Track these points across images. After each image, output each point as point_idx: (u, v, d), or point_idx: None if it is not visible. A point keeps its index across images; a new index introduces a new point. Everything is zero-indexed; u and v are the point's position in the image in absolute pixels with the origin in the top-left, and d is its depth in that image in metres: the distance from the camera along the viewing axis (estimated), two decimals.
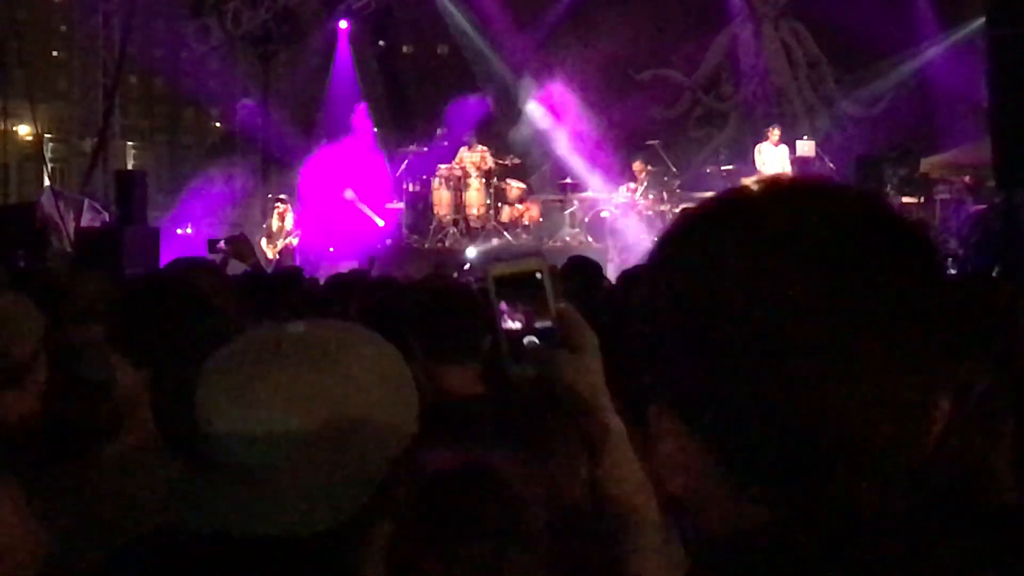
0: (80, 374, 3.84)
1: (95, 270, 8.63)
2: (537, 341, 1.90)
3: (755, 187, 1.30)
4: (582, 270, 8.12)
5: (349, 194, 24.88)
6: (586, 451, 2.03)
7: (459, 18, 27.37)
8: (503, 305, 1.90)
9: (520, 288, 1.92)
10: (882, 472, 1.23)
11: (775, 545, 1.23)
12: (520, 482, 2.29)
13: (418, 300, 4.77)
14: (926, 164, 22.27)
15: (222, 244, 19.22)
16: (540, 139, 26.02)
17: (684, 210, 1.35)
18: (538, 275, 1.93)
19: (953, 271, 15.68)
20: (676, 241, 1.30)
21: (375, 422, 1.80)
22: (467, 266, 18.21)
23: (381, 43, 28.74)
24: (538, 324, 1.91)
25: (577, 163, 24.71)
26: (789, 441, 1.21)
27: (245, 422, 1.75)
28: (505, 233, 23.29)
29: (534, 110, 26.24)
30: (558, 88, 26.22)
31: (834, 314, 1.18)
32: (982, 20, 19.93)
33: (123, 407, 3.12)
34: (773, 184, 1.30)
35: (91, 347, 3.80)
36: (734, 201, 1.29)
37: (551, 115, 26.09)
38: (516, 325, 1.90)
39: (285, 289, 7.30)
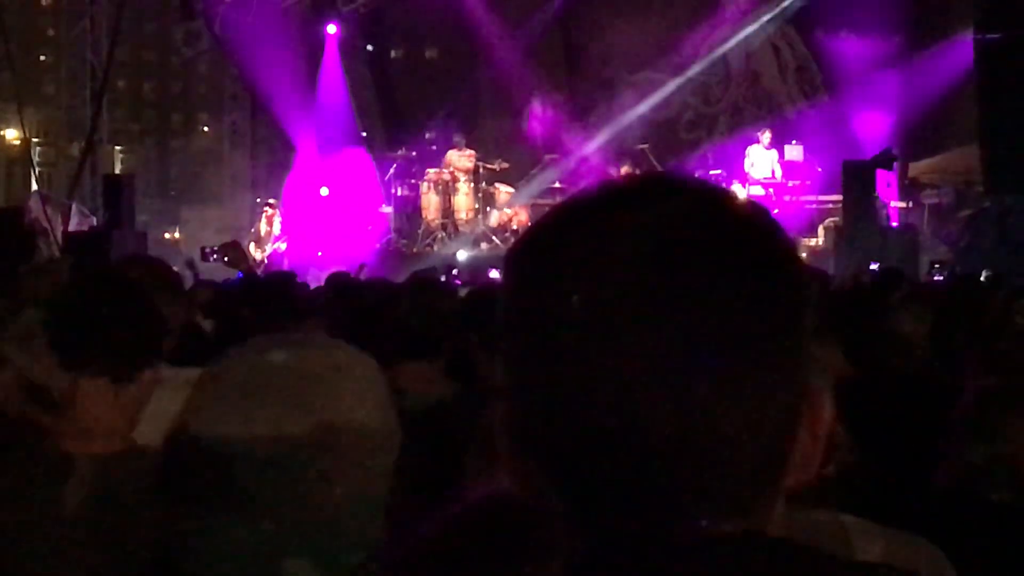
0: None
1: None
2: None
3: (595, 191, 1.24)
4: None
5: (325, 191, 24.85)
6: None
7: (448, 22, 27.35)
8: None
9: None
10: (737, 486, 1.12)
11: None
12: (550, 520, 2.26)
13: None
14: (915, 169, 22.31)
15: (214, 250, 19.19)
16: (529, 143, 26.01)
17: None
18: None
19: (941, 276, 15.68)
20: (514, 253, 1.24)
21: (366, 440, 1.79)
22: (455, 271, 18.17)
23: (370, 47, 28.72)
24: None
25: (564, 166, 24.68)
26: (612, 456, 1.11)
27: (237, 448, 1.73)
28: (493, 237, 23.29)
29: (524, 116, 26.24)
30: (546, 92, 26.22)
31: (668, 312, 1.10)
32: (971, 25, 19.98)
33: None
34: (612, 185, 1.23)
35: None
36: (572, 206, 1.23)
37: (540, 120, 26.09)
38: None
39: (279, 294, 7.26)
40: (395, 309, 5.26)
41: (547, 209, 1.29)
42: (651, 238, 1.12)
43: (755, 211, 1.20)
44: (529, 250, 1.21)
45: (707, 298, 1.10)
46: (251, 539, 1.71)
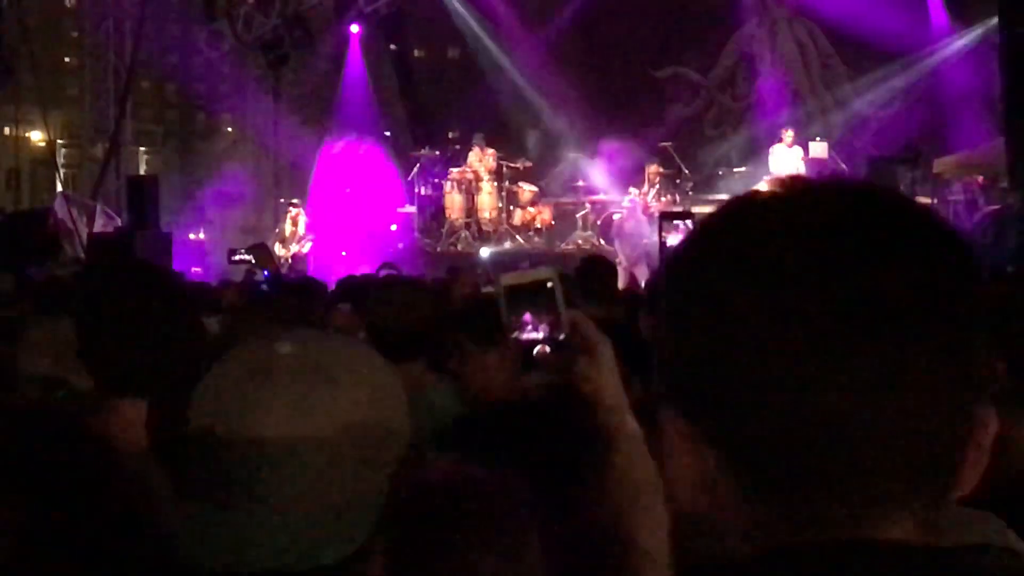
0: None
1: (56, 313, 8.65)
2: (548, 350, 1.92)
3: (769, 189, 1.24)
4: (595, 269, 8.06)
5: (349, 191, 24.90)
6: (603, 452, 2.04)
7: (470, 21, 27.34)
8: (527, 316, 1.93)
9: (531, 297, 1.94)
10: (909, 492, 1.15)
11: (787, 570, 1.16)
12: (520, 503, 2.26)
13: None
14: (939, 164, 22.19)
15: (243, 252, 19.25)
16: (552, 142, 26.01)
17: (703, 215, 1.30)
18: (549, 284, 1.94)
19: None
20: (692, 244, 1.24)
21: (371, 436, 1.77)
22: (479, 269, 18.17)
23: (393, 47, 28.74)
24: (550, 333, 1.92)
25: (589, 165, 24.64)
26: (803, 452, 1.13)
27: (241, 439, 1.72)
28: (517, 236, 23.30)
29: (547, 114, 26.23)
30: (569, 90, 26.20)
31: (854, 319, 1.11)
32: (995, 20, 19.89)
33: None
34: (787, 185, 1.24)
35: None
36: (748, 204, 1.23)
37: (562, 118, 26.08)
38: (538, 335, 1.93)
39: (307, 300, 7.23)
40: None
41: (720, 205, 1.29)
42: (863, 249, 1.14)
43: (947, 224, 1.21)
44: (722, 248, 1.20)
45: (912, 309, 1.12)
46: (256, 530, 1.69)
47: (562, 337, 1.93)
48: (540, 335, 1.93)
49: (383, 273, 14.30)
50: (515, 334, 1.93)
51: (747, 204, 1.23)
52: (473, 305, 4.96)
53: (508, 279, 1.96)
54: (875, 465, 1.12)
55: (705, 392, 1.18)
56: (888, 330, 1.11)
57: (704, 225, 1.24)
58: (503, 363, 4.32)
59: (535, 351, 1.92)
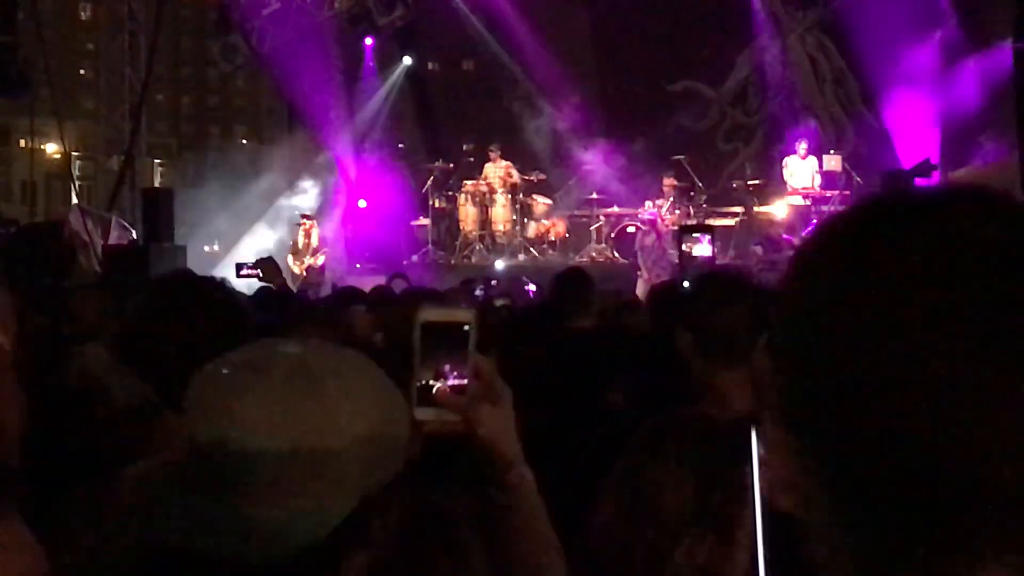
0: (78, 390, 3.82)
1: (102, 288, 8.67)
2: (448, 389, 1.94)
3: (900, 198, 1.19)
4: (571, 283, 7.90)
5: (363, 203, 24.92)
6: (498, 505, 2.06)
7: (485, 35, 27.37)
8: (447, 366, 1.95)
9: (447, 337, 1.96)
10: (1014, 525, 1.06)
11: None
12: (468, 525, 2.30)
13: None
14: (954, 178, 22.18)
15: (250, 267, 19.26)
16: (566, 154, 26.00)
17: (826, 219, 1.22)
18: (466, 327, 1.96)
19: None
20: (814, 251, 1.18)
21: (356, 450, 1.78)
22: (494, 282, 18.16)
23: (407, 60, 28.79)
24: (455, 374, 1.95)
25: (603, 178, 24.66)
26: (906, 473, 1.07)
27: (227, 435, 1.74)
28: (531, 249, 23.32)
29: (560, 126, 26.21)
30: (583, 103, 26.22)
31: (978, 342, 1.04)
32: (1009, 39, 19.87)
33: (131, 422, 3.10)
34: (924, 197, 1.17)
35: (92, 362, 3.78)
36: (876, 211, 1.16)
37: (576, 131, 26.07)
38: (460, 382, 1.95)
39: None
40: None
41: (843, 209, 1.24)
42: (989, 259, 1.07)
43: None
44: (850, 252, 1.13)
45: None
46: (263, 525, 1.72)
47: (464, 376, 1.95)
48: (460, 383, 1.95)
49: (396, 283, 14.31)
50: (428, 380, 1.94)
51: (878, 214, 1.17)
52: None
53: (427, 315, 1.97)
54: (995, 512, 1.05)
55: (830, 420, 1.12)
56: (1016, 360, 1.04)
57: (830, 232, 1.18)
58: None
59: (435, 388, 1.93)
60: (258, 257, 17.88)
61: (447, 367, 1.94)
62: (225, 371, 1.82)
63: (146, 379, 3.23)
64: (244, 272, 19.58)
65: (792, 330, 1.17)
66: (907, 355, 1.06)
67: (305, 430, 1.74)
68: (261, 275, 15.88)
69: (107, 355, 3.45)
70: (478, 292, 16.06)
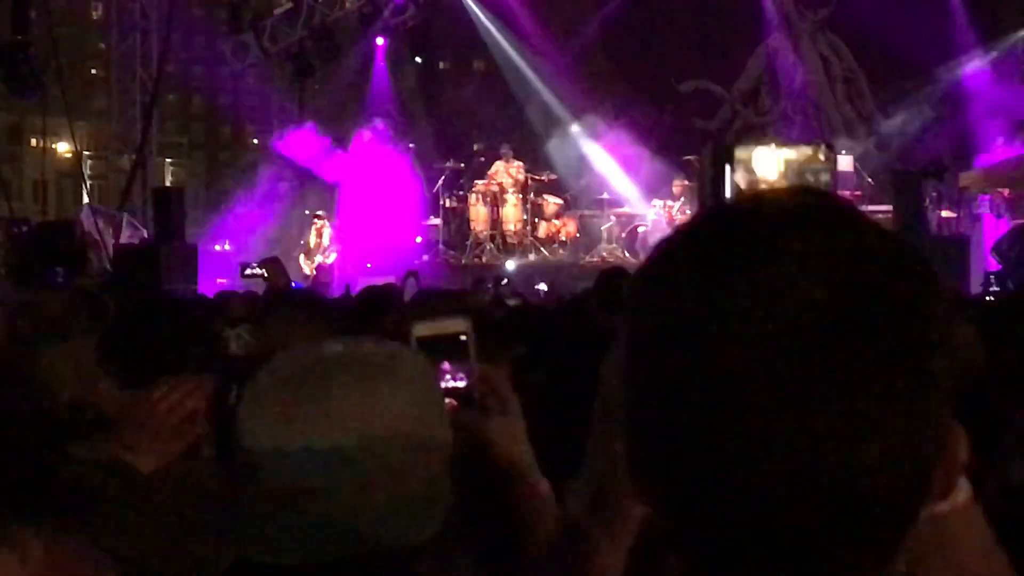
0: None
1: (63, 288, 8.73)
2: (455, 403, 1.91)
3: (736, 210, 1.14)
4: (613, 282, 7.90)
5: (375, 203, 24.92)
6: (518, 519, 2.03)
7: (496, 34, 27.36)
8: (445, 364, 1.92)
9: (445, 349, 1.94)
10: (869, 531, 1.04)
11: None
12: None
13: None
14: (964, 178, 22.13)
15: (255, 267, 19.26)
16: (577, 154, 25.98)
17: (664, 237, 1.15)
18: (462, 337, 1.94)
19: (995, 288, 15.56)
20: (646, 273, 1.12)
21: (419, 438, 1.79)
22: (505, 281, 18.17)
23: (418, 59, 28.79)
24: (459, 375, 1.93)
25: (614, 178, 24.66)
26: (753, 496, 1.02)
27: (292, 444, 1.74)
28: (542, 249, 23.32)
29: (573, 127, 26.18)
30: (593, 104, 26.21)
31: (814, 365, 1.00)
32: (1021, 33, 19.86)
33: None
34: (751, 208, 1.12)
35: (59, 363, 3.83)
36: (710, 227, 1.10)
37: (589, 131, 26.05)
38: (458, 384, 1.93)
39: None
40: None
41: (680, 222, 1.25)
42: (828, 274, 1.03)
43: (912, 250, 1.10)
44: (680, 271, 1.07)
45: (872, 339, 1.02)
46: (306, 529, 1.73)
47: (469, 387, 1.94)
48: (460, 384, 1.93)
49: (408, 282, 14.32)
50: None
51: (730, 224, 1.10)
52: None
53: (420, 330, 1.94)
54: (850, 501, 1.02)
55: (649, 451, 1.08)
56: (869, 366, 1.01)
57: (664, 251, 1.13)
58: None
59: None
60: (263, 258, 17.93)
61: (446, 367, 1.93)
62: (279, 378, 1.82)
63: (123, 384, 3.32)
64: (249, 272, 19.60)
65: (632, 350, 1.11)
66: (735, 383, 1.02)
67: (368, 426, 1.75)
68: (266, 275, 15.90)
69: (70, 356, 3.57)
70: (490, 288, 16.09)
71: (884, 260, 1.06)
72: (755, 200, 1.13)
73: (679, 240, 1.11)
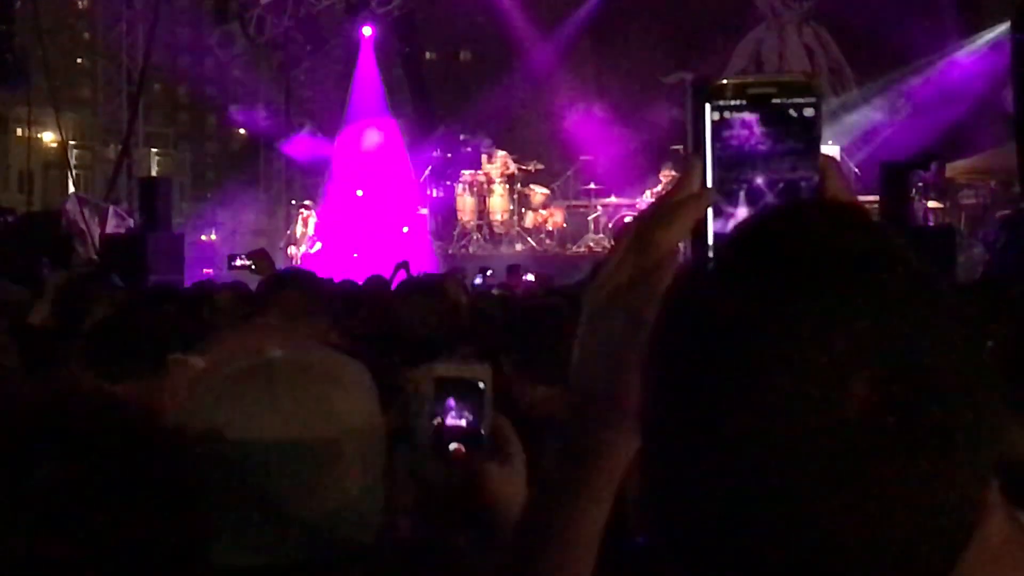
0: None
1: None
2: (463, 448, 1.92)
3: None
4: None
5: (360, 193, 24.88)
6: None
7: (482, 24, 27.35)
8: (450, 401, 1.92)
9: (460, 391, 1.94)
10: None
11: None
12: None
13: (514, 317, 4.77)
14: (951, 169, 22.16)
15: (243, 259, 19.26)
16: (563, 145, 25.99)
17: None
18: (480, 384, 1.94)
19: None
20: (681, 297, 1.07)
21: (358, 441, 1.82)
22: (490, 272, 18.16)
23: (406, 49, 28.77)
24: (471, 425, 1.93)
25: (601, 168, 24.66)
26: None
27: (233, 439, 1.76)
28: (529, 239, 23.30)
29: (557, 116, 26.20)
30: (581, 94, 26.22)
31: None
32: (1007, 24, 19.87)
33: None
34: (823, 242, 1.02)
35: None
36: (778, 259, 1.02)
37: (573, 121, 26.07)
38: (460, 423, 1.92)
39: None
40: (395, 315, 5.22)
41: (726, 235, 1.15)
42: (883, 360, 0.96)
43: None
44: (708, 330, 1.01)
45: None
46: (260, 528, 1.75)
47: (481, 433, 1.93)
48: (462, 423, 1.93)
49: (400, 273, 14.31)
50: (436, 419, 1.93)
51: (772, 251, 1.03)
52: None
53: (440, 371, 1.95)
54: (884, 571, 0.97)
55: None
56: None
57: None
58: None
59: (452, 447, 1.92)
60: (251, 249, 17.91)
61: (451, 403, 1.93)
62: (227, 380, 1.84)
63: (116, 377, 3.38)
64: (236, 264, 19.58)
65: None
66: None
67: (316, 427, 1.77)
68: (253, 267, 15.90)
69: None
70: (478, 281, 16.07)
71: (939, 346, 0.99)
72: (794, 235, 1.04)
73: (715, 286, 1.04)
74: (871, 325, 0.96)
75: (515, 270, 18.02)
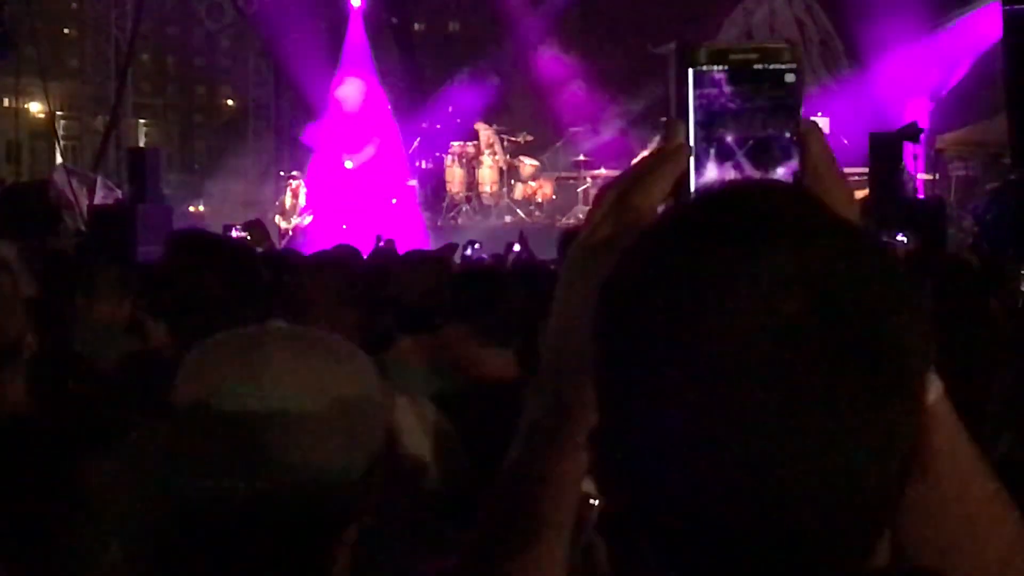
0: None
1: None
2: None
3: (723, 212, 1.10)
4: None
5: (349, 164, 24.81)
6: None
7: None
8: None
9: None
10: (852, 532, 1.06)
11: None
12: None
13: (459, 284, 4.77)
14: (941, 141, 22.19)
15: (239, 229, 19.24)
16: (553, 116, 25.97)
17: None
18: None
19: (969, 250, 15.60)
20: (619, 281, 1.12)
21: (358, 410, 1.83)
22: (478, 244, 18.15)
23: (394, 20, 28.69)
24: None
25: (590, 140, 24.65)
26: (736, 507, 1.03)
27: (238, 409, 1.77)
28: (518, 210, 23.30)
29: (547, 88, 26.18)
30: (571, 64, 26.19)
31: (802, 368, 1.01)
32: None
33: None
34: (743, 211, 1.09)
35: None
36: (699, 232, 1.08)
37: (564, 92, 26.04)
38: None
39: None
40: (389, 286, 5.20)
41: (656, 220, 1.23)
42: (806, 286, 1.03)
43: (893, 259, 1.11)
44: (649, 282, 1.07)
45: (854, 350, 1.02)
46: (251, 498, 1.75)
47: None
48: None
49: (382, 245, 14.30)
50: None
51: (699, 229, 1.10)
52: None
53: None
54: (834, 505, 1.03)
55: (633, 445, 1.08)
56: (855, 375, 1.02)
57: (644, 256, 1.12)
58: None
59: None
60: (245, 220, 17.92)
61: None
62: (223, 348, 1.87)
63: (172, 330, 3.39)
64: (234, 234, 19.57)
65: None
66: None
67: (309, 396, 1.78)
68: (249, 238, 15.91)
69: None
70: (468, 252, 16.06)
71: (859, 273, 1.06)
72: (726, 203, 1.12)
73: (654, 244, 1.12)
74: (795, 257, 1.03)
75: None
